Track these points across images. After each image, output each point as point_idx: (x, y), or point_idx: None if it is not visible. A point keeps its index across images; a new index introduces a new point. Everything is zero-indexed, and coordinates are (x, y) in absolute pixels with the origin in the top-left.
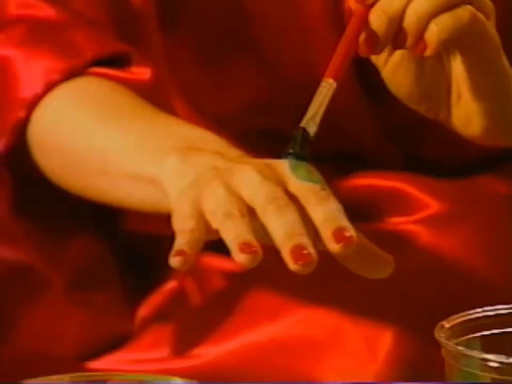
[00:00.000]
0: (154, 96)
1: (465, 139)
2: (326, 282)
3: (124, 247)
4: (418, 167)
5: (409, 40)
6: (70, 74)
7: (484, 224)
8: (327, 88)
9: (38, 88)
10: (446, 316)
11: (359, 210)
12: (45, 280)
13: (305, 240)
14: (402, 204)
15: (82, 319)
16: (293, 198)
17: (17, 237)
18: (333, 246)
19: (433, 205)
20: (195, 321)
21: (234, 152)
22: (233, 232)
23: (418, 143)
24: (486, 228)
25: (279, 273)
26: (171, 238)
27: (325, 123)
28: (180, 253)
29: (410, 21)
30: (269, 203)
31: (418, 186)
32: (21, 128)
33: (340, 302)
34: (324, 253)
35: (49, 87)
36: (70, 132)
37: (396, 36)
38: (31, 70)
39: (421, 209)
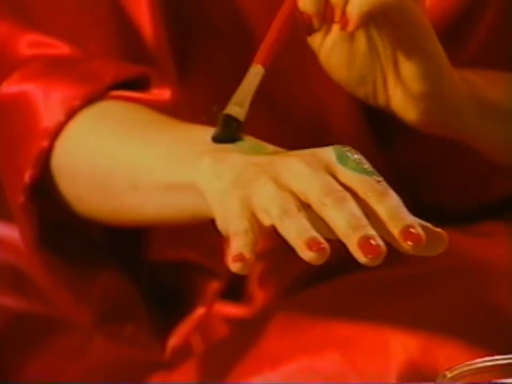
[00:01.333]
0: (176, 115)
1: (469, 184)
2: (327, 329)
3: (150, 278)
4: (423, 213)
5: (336, 14)
6: (91, 100)
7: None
8: (254, 74)
9: (60, 117)
10: None
11: None
12: (69, 320)
13: (370, 231)
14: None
15: (112, 352)
16: (346, 188)
17: (41, 275)
18: (404, 246)
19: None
20: (199, 368)
21: (270, 147)
22: (296, 230)
23: (424, 188)
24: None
25: (281, 318)
26: (195, 265)
27: None
28: (239, 257)
29: None
30: (326, 196)
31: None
32: (45, 159)
33: (342, 349)
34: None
35: (71, 114)
36: (96, 151)
37: (325, 12)
38: (50, 100)
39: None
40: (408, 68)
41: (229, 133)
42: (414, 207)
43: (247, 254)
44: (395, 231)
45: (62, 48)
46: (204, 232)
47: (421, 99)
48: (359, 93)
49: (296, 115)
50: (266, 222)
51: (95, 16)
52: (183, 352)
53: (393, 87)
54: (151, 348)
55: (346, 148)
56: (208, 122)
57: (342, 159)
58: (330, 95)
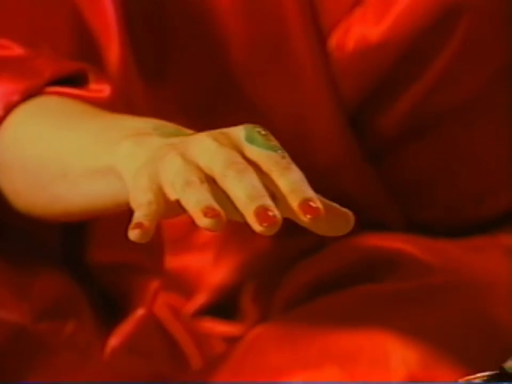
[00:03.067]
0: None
1: (461, 201)
2: (326, 343)
3: (91, 278)
4: (419, 228)
5: None
6: (29, 95)
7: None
8: None
9: None
10: None
11: (362, 271)
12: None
13: (268, 202)
14: (405, 266)
15: (52, 348)
16: (252, 164)
17: None
18: (302, 219)
19: (435, 268)
20: None
21: (189, 131)
22: (195, 199)
23: (418, 204)
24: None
25: (279, 333)
26: (135, 265)
27: (325, 184)
28: (138, 225)
29: None
30: (228, 168)
31: (421, 247)
32: None
33: (341, 364)
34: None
35: (9, 108)
36: (29, 142)
37: None
38: None
39: (424, 272)
40: None
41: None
42: (406, 223)
43: (146, 222)
44: (294, 203)
45: (10, 49)
46: None
47: None
48: None
49: (278, 122)
50: (172, 196)
51: (53, 23)
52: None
53: None
54: (90, 347)
55: (257, 127)
56: None
57: (250, 137)
58: (316, 109)
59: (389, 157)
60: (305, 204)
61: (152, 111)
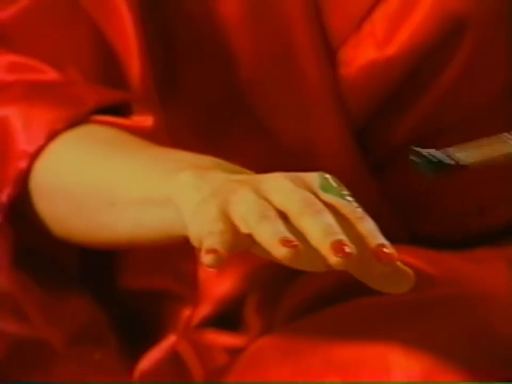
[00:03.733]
0: (157, 143)
1: (463, 212)
2: (328, 355)
3: (122, 304)
4: (421, 241)
5: None
6: (73, 123)
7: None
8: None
9: (41, 139)
10: None
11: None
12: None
13: (345, 238)
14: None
15: (82, 373)
16: (328, 207)
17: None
18: (376, 263)
19: (437, 280)
20: None
21: (249, 172)
22: (272, 231)
23: (421, 217)
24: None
25: (281, 344)
26: (167, 292)
27: None
28: (212, 251)
29: None
30: (305, 207)
31: (423, 260)
32: (23, 179)
33: (343, 375)
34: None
35: (52, 136)
36: (74, 170)
37: None
38: (31, 123)
39: (426, 284)
40: None
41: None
42: (409, 236)
43: (221, 249)
44: (370, 246)
45: (43, 72)
46: (176, 259)
47: None
48: None
49: (285, 139)
50: (244, 229)
51: (76, 42)
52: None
53: None
54: (119, 373)
55: (329, 176)
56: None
57: (324, 185)
58: (323, 125)
59: (393, 170)
60: (379, 248)
61: (167, 130)
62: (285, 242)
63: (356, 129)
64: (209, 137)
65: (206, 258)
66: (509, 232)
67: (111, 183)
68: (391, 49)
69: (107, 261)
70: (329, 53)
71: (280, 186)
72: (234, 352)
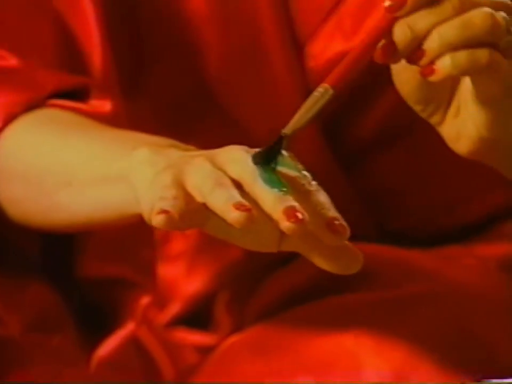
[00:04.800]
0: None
1: (434, 210)
2: (300, 354)
3: (80, 292)
4: (392, 238)
5: (424, 61)
6: (30, 107)
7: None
8: (320, 93)
9: None
10: None
11: (336, 281)
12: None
13: (297, 204)
14: (379, 276)
15: (38, 360)
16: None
17: None
18: (327, 236)
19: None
20: None
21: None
22: (226, 196)
23: (391, 213)
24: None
25: (252, 343)
26: (125, 280)
27: None
28: (163, 211)
29: (431, 43)
30: (259, 177)
31: (394, 258)
32: None
33: (315, 374)
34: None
35: (9, 119)
36: (31, 152)
37: (413, 51)
38: None
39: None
40: (478, 114)
41: (272, 152)
42: (380, 233)
43: (173, 210)
44: (322, 221)
45: (3, 59)
46: (134, 247)
47: (477, 141)
48: (416, 107)
49: (254, 132)
50: (198, 198)
51: (39, 31)
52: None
53: (452, 117)
54: (76, 359)
55: (286, 152)
56: None
57: (281, 160)
58: (289, 113)
59: (362, 165)
60: (333, 221)
61: (129, 122)
62: (239, 206)
63: (324, 123)
64: (177, 131)
65: (156, 219)
66: (478, 229)
67: (68, 164)
68: (358, 41)
69: (67, 249)
70: (297, 46)
71: (235, 156)
72: (204, 351)
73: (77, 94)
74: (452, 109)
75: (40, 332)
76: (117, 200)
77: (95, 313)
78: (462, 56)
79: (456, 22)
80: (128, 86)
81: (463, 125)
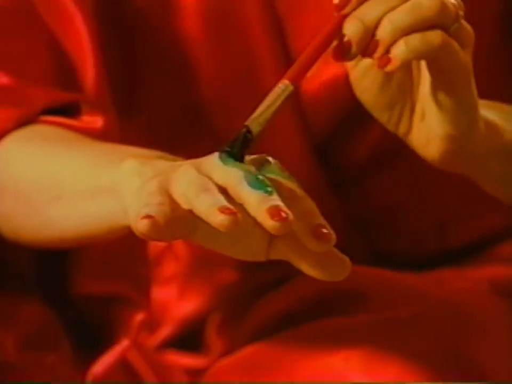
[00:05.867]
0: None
1: (424, 232)
2: (289, 377)
3: (75, 309)
4: (384, 260)
5: (379, 51)
6: (22, 123)
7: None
8: (281, 89)
9: None
10: None
11: (328, 304)
12: None
13: (281, 204)
14: (371, 299)
15: (34, 377)
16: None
17: None
18: (312, 243)
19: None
20: None
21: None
22: (210, 201)
23: (382, 235)
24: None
25: (243, 365)
26: (120, 297)
27: None
28: (147, 216)
29: (383, 32)
30: (243, 180)
31: (386, 281)
32: None
33: None
34: None
35: (0, 136)
36: (22, 166)
37: (367, 44)
38: None
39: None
40: (441, 109)
41: (239, 146)
42: (371, 255)
43: (157, 216)
44: (308, 227)
45: (1, 77)
46: (128, 264)
47: (445, 140)
48: (382, 117)
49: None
50: (184, 205)
51: (32, 48)
52: None
53: (418, 121)
54: (72, 376)
55: (273, 160)
56: None
57: (268, 167)
58: (284, 140)
59: (354, 188)
60: (318, 227)
61: (122, 139)
62: (223, 209)
63: (318, 144)
64: (170, 149)
65: (140, 224)
66: (470, 252)
67: (58, 177)
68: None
69: (62, 266)
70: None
71: (219, 164)
72: (195, 374)
73: (68, 110)
74: (417, 113)
75: (35, 349)
76: (106, 212)
77: (91, 330)
78: (415, 38)
79: (405, 6)
80: (122, 105)
81: (430, 127)
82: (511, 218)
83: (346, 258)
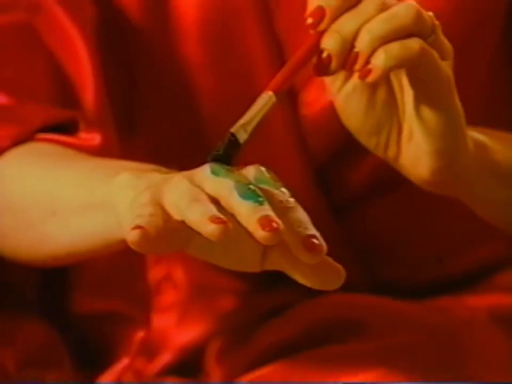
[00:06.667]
0: None
1: (424, 260)
2: None
3: (75, 327)
4: (383, 288)
5: (359, 62)
6: (19, 141)
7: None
8: (265, 100)
9: None
10: None
11: (328, 332)
12: None
13: (272, 213)
14: (370, 327)
15: None
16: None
17: None
18: (303, 255)
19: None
20: None
21: None
22: (202, 211)
23: (382, 262)
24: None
25: None
26: (120, 315)
27: None
28: (138, 227)
29: (362, 42)
30: (234, 190)
31: (385, 308)
32: None
33: None
34: None
35: None
36: (18, 183)
37: (347, 57)
38: None
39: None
40: (426, 124)
41: (226, 153)
42: (370, 282)
43: (148, 227)
44: (298, 238)
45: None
46: (126, 281)
47: (434, 157)
48: (370, 143)
49: None
50: (176, 215)
51: (32, 69)
52: None
53: (406, 141)
54: None
55: (264, 169)
56: None
57: (259, 177)
58: (284, 163)
59: (353, 215)
60: (309, 239)
61: (123, 158)
62: (214, 219)
63: (317, 169)
64: (169, 169)
65: (131, 235)
66: (469, 280)
67: (53, 193)
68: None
69: (62, 284)
70: (292, 93)
71: (210, 175)
72: None
73: (66, 127)
74: (405, 133)
75: (36, 367)
76: (101, 226)
77: (91, 349)
78: (395, 46)
79: (382, 16)
80: (122, 123)
81: (418, 145)
82: (511, 247)
83: (341, 268)
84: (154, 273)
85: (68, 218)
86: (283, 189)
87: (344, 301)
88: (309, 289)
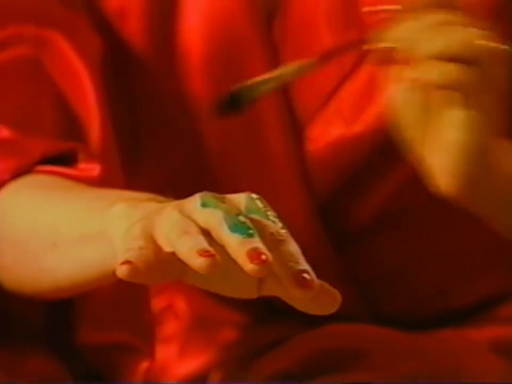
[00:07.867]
0: None
1: (426, 293)
2: None
3: (82, 358)
4: (384, 320)
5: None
6: (19, 173)
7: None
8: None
9: None
10: None
11: (327, 363)
12: None
13: (261, 246)
14: (370, 358)
15: None
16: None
17: None
18: (294, 290)
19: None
20: None
21: None
22: (191, 244)
23: (383, 297)
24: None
25: None
26: (124, 345)
27: None
28: (127, 262)
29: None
30: (224, 222)
31: (385, 339)
32: None
33: None
34: None
35: None
36: (18, 215)
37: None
38: None
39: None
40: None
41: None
42: (371, 315)
43: (136, 262)
44: (289, 272)
45: (2, 132)
46: (131, 311)
47: (463, 151)
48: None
49: None
50: (166, 247)
51: (37, 103)
52: None
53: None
54: None
55: (256, 197)
56: None
57: (250, 206)
58: (287, 199)
59: (357, 247)
60: (299, 274)
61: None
62: (202, 252)
63: (321, 205)
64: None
65: (119, 270)
66: (471, 313)
67: (53, 225)
68: (359, 127)
69: (67, 317)
70: (296, 128)
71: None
72: None
73: (67, 158)
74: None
75: None
76: (99, 258)
77: (97, 378)
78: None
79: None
80: (127, 158)
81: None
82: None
83: (336, 292)
84: (156, 303)
85: (67, 249)
86: (275, 219)
87: (344, 330)
88: (309, 320)
